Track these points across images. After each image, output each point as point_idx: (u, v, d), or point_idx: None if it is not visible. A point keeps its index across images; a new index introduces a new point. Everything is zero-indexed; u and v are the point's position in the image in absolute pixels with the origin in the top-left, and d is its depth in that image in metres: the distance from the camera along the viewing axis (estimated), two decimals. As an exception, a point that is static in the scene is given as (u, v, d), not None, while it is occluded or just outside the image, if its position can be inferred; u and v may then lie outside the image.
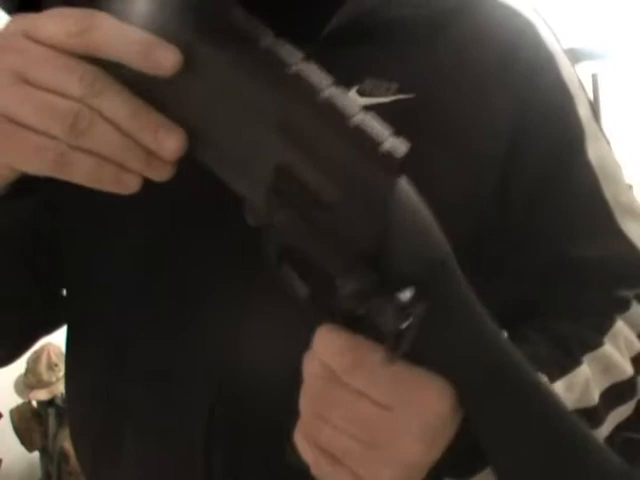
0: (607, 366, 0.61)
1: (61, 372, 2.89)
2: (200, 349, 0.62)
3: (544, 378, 0.56)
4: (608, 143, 0.69)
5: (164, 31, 0.46)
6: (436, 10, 0.67)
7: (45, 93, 0.46)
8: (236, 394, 0.63)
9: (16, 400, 2.96)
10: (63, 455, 2.91)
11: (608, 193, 0.66)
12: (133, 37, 0.46)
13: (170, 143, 0.46)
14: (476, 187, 0.63)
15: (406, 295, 0.44)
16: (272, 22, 0.65)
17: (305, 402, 0.51)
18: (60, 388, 2.92)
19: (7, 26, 0.48)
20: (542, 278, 0.65)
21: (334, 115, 0.46)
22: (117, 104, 0.46)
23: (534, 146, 0.66)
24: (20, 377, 2.93)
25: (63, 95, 0.46)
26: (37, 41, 0.46)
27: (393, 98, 0.64)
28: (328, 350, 0.49)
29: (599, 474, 0.51)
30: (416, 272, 0.46)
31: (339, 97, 0.47)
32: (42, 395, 2.92)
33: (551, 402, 0.51)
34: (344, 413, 0.50)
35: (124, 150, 0.46)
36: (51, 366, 2.91)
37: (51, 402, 2.96)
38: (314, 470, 0.51)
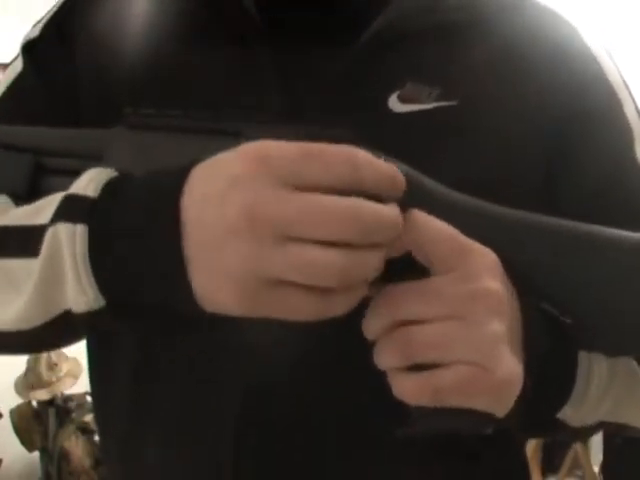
0: None
1: (61, 372, 2.88)
2: (228, 351, 0.61)
3: None
4: None
5: None
6: (480, 12, 0.66)
7: (311, 249, 0.45)
8: (265, 396, 0.62)
9: (16, 400, 2.96)
10: (63, 455, 2.91)
11: None
12: (384, 171, 0.47)
13: None
14: (517, 191, 0.63)
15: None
16: (313, 28, 0.66)
17: (375, 323, 0.50)
18: (60, 388, 2.91)
19: (243, 168, 0.46)
20: None
21: None
22: (387, 233, 0.47)
23: (586, 153, 0.65)
24: (20, 377, 2.92)
25: (332, 246, 0.45)
26: (296, 187, 0.45)
27: (435, 105, 0.63)
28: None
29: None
30: None
31: None
32: (42, 395, 2.92)
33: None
34: (422, 301, 0.49)
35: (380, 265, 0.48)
36: (51, 366, 2.90)
37: (51, 402, 2.96)
38: (433, 396, 0.49)
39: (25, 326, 0.54)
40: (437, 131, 0.63)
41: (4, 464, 3.00)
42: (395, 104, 0.63)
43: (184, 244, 0.47)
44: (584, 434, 0.61)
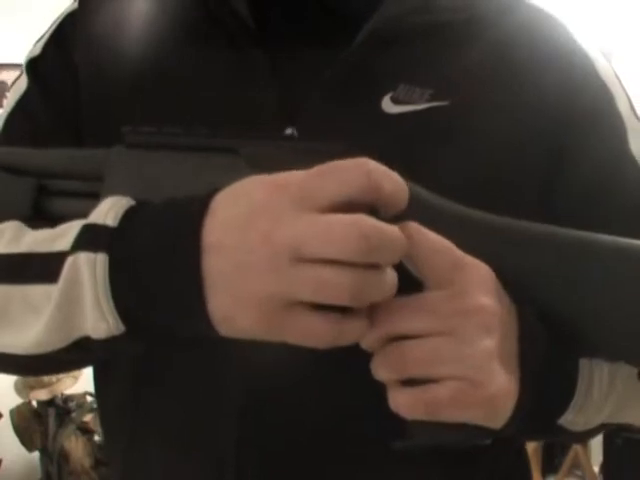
0: None
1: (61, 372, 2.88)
2: (228, 355, 0.61)
3: None
4: None
5: None
6: (475, 14, 0.66)
7: (322, 268, 0.46)
8: (265, 400, 0.63)
9: (16, 400, 2.96)
10: (63, 455, 2.91)
11: None
12: (398, 179, 0.48)
13: None
14: (512, 191, 0.63)
15: None
16: (306, 29, 0.66)
17: (372, 340, 0.51)
18: (60, 388, 2.91)
19: (263, 194, 0.48)
20: None
21: None
22: (391, 251, 0.47)
23: (581, 151, 0.66)
24: (20, 377, 2.93)
25: (341, 264, 0.45)
26: (312, 207, 0.46)
27: (426, 105, 0.63)
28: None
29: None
30: None
31: None
32: (42, 395, 2.92)
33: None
34: (414, 316, 0.50)
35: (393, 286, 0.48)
36: (51, 366, 2.90)
37: (51, 402, 2.96)
38: (426, 410, 0.50)
39: (42, 350, 0.54)
40: (429, 132, 0.63)
41: (4, 464, 3.00)
42: (388, 105, 0.64)
43: (203, 268, 0.48)
44: (586, 436, 0.61)
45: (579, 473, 3.25)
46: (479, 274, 0.51)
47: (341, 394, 0.62)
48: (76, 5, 0.72)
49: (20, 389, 2.93)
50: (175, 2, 0.70)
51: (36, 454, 3.02)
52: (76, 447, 2.89)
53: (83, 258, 0.51)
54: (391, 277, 0.48)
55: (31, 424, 2.96)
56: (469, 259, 0.51)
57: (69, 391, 2.97)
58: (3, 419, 2.96)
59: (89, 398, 2.97)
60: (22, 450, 2.97)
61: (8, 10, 3.05)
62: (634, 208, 0.65)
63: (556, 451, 3.28)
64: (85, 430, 2.91)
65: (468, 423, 0.51)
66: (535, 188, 0.65)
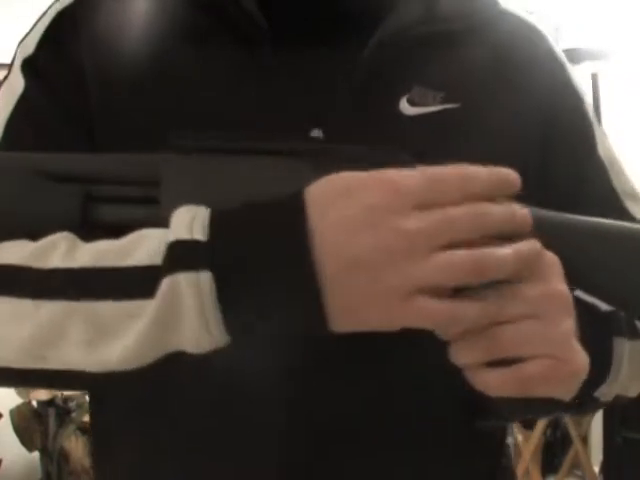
0: None
1: (61, 372, 2.88)
2: (261, 370, 0.60)
3: None
4: (607, 137, 0.76)
5: None
6: (473, 21, 0.70)
7: (451, 253, 0.49)
8: (310, 418, 0.63)
9: (16, 400, 2.96)
10: (63, 455, 2.91)
11: (616, 182, 0.73)
12: (492, 172, 0.53)
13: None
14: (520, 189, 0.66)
15: None
16: (309, 28, 0.67)
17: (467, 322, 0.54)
18: (60, 388, 2.92)
19: (381, 198, 0.50)
20: None
21: None
22: (516, 227, 0.52)
23: (561, 151, 0.71)
24: (20, 377, 2.92)
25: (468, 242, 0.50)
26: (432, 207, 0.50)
27: (440, 107, 0.67)
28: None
29: None
30: None
31: None
32: (42, 395, 2.92)
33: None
34: (506, 304, 0.53)
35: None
36: (51, 366, 2.90)
37: (51, 402, 2.96)
38: (518, 387, 0.53)
39: (128, 366, 0.53)
40: (446, 131, 0.66)
41: (4, 464, 3.01)
42: (405, 107, 0.66)
43: (318, 269, 0.50)
44: (601, 407, 0.66)
45: (579, 473, 3.25)
46: (552, 262, 0.55)
47: (372, 400, 0.64)
48: (70, 0, 0.70)
49: (20, 389, 2.93)
50: (177, 1, 0.70)
51: (36, 454, 3.02)
52: (76, 447, 2.90)
53: (183, 279, 0.51)
54: (509, 253, 0.51)
55: (31, 424, 2.96)
56: (542, 250, 0.55)
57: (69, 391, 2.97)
58: (3, 419, 2.96)
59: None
60: (22, 450, 2.97)
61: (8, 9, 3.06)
62: (601, 209, 0.67)
63: (556, 451, 3.28)
64: (85, 430, 2.91)
65: (553, 397, 0.55)
66: (536, 186, 0.66)
